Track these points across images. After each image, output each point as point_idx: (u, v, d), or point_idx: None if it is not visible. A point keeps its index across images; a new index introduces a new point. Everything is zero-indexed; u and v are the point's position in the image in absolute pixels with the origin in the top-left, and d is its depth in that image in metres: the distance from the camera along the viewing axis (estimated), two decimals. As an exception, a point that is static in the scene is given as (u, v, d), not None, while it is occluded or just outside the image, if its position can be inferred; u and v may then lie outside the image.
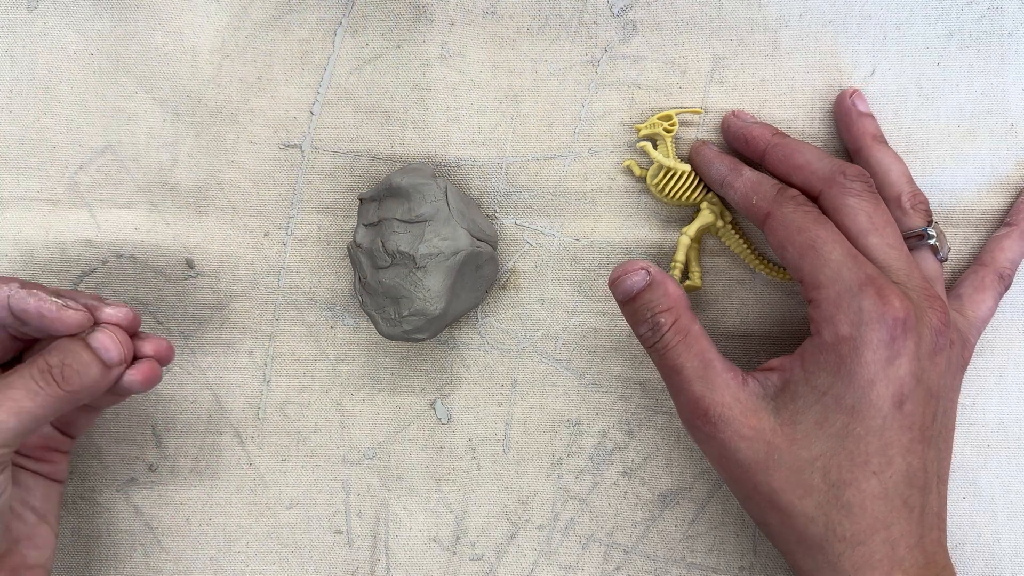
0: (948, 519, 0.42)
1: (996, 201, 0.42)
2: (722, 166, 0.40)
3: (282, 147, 0.42)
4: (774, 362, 0.36)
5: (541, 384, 0.43)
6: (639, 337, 0.37)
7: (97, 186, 0.42)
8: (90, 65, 0.42)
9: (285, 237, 0.42)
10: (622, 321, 0.42)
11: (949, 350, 0.36)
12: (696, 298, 0.42)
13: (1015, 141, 0.42)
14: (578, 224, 0.42)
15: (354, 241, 0.40)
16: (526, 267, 0.43)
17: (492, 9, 0.42)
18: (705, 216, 0.41)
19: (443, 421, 0.43)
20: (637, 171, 0.42)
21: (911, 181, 0.40)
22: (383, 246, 0.38)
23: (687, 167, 0.41)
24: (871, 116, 0.41)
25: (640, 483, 0.43)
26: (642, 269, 0.36)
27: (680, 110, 0.41)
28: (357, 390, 0.43)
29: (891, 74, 0.42)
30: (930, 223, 0.39)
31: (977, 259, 0.42)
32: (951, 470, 0.42)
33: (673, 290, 0.36)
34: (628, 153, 0.42)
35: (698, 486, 0.43)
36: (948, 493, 0.42)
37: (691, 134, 0.42)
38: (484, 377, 0.43)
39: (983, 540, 0.42)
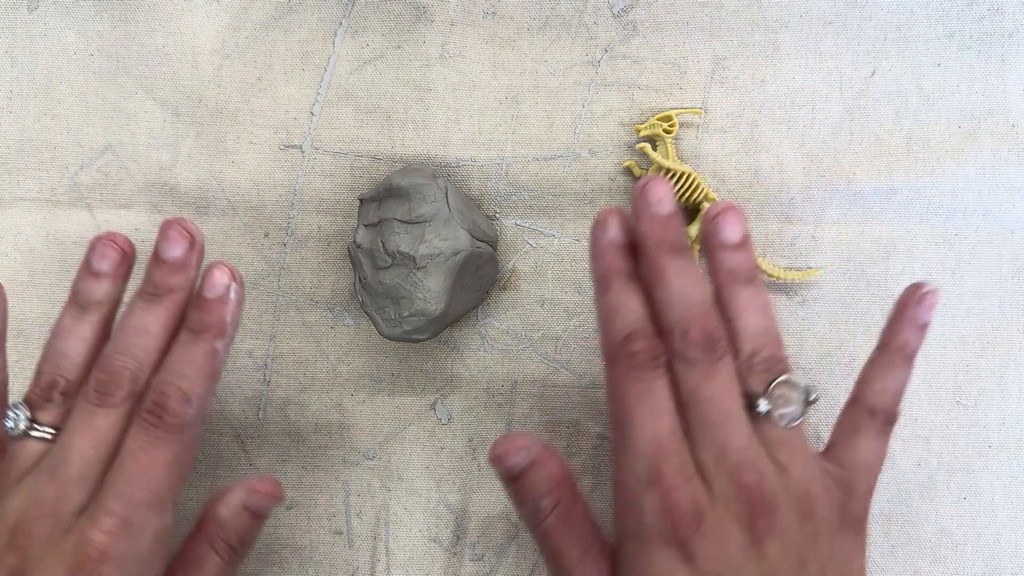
0: (949, 519, 0.42)
1: (997, 201, 0.42)
2: (601, 265, 0.34)
3: (282, 147, 0.42)
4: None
5: (541, 384, 0.43)
6: (520, 517, 0.35)
7: (97, 186, 0.42)
8: (90, 65, 0.42)
9: (285, 237, 0.42)
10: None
11: (807, 523, 0.32)
12: (696, 299, 0.43)
13: (1016, 142, 0.42)
14: (578, 224, 0.42)
15: (354, 241, 0.40)
16: (526, 267, 0.43)
17: (492, 9, 0.42)
18: (705, 216, 0.41)
19: (443, 421, 0.43)
20: (637, 172, 0.42)
21: (764, 333, 0.34)
22: (383, 246, 0.38)
23: (687, 168, 0.41)
24: (738, 247, 0.34)
25: (640, 483, 0.43)
26: (523, 448, 0.34)
27: (680, 110, 0.41)
28: (357, 390, 0.43)
29: (891, 74, 0.42)
30: (771, 383, 0.33)
31: (851, 393, 0.37)
32: (952, 470, 0.42)
33: (556, 469, 0.34)
34: (628, 153, 0.42)
35: (698, 487, 0.43)
36: (949, 493, 0.42)
37: (691, 134, 0.42)
38: (484, 377, 0.43)
39: (983, 541, 0.42)
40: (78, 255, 0.42)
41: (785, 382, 0.34)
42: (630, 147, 0.42)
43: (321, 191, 0.42)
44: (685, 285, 0.33)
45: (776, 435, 0.33)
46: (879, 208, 0.42)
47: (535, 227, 0.42)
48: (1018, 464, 0.43)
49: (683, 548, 0.31)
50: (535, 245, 0.42)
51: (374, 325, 0.39)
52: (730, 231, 0.34)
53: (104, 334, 0.35)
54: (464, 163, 0.42)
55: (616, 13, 0.42)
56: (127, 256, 0.36)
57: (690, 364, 0.33)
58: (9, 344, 0.42)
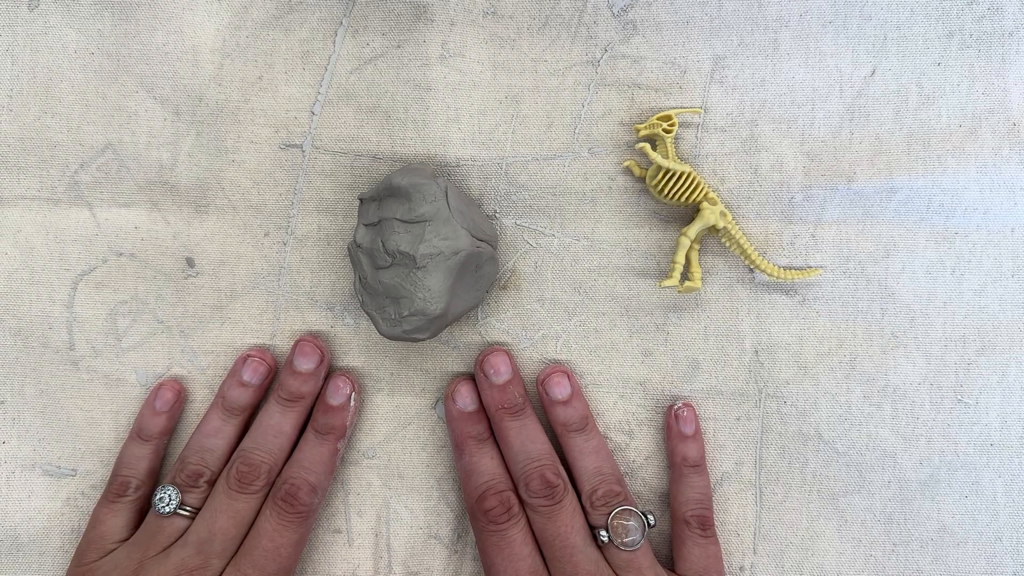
0: (951, 517, 0.42)
1: (1000, 200, 0.42)
2: (454, 433, 0.41)
3: (283, 147, 0.42)
4: None
5: (541, 384, 0.43)
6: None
7: (97, 185, 0.42)
8: (91, 64, 0.42)
9: (285, 237, 0.42)
10: (622, 321, 0.42)
11: None
12: (695, 298, 0.42)
13: (1017, 141, 0.42)
14: (578, 224, 0.42)
15: (354, 241, 0.39)
16: (526, 267, 0.42)
17: (492, 9, 0.42)
18: (705, 217, 0.41)
19: (443, 420, 0.43)
20: (637, 171, 0.42)
21: (599, 472, 0.40)
22: (383, 246, 0.38)
23: (686, 168, 0.41)
24: (567, 403, 0.41)
25: (640, 483, 0.43)
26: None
27: (680, 110, 0.41)
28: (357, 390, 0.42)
29: (891, 74, 0.42)
30: (610, 515, 0.39)
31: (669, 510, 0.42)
32: (953, 469, 0.42)
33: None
34: (628, 153, 0.42)
35: (699, 486, 0.43)
36: (951, 492, 0.42)
37: (691, 134, 0.42)
38: (484, 377, 0.43)
39: (985, 539, 0.42)
40: (78, 254, 0.42)
41: (622, 513, 0.39)
42: (630, 147, 0.42)
43: (321, 190, 0.42)
44: (524, 442, 0.40)
45: (622, 558, 0.39)
46: (879, 207, 0.42)
47: (535, 226, 0.42)
48: (1019, 462, 0.43)
49: None
50: (535, 245, 0.42)
51: (374, 324, 0.39)
52: (558, 390, 0.41)
53: (241, 431, 0.41)
54: (464, 163, 0.42)
55: (616, 13, 0.42)
56: (271, 370, 0.42)
57: (536, 509, 0.39)
58: (7, 343, 0.42)
